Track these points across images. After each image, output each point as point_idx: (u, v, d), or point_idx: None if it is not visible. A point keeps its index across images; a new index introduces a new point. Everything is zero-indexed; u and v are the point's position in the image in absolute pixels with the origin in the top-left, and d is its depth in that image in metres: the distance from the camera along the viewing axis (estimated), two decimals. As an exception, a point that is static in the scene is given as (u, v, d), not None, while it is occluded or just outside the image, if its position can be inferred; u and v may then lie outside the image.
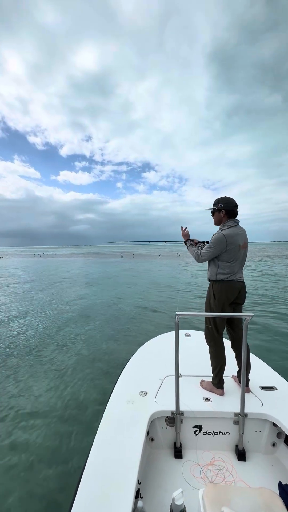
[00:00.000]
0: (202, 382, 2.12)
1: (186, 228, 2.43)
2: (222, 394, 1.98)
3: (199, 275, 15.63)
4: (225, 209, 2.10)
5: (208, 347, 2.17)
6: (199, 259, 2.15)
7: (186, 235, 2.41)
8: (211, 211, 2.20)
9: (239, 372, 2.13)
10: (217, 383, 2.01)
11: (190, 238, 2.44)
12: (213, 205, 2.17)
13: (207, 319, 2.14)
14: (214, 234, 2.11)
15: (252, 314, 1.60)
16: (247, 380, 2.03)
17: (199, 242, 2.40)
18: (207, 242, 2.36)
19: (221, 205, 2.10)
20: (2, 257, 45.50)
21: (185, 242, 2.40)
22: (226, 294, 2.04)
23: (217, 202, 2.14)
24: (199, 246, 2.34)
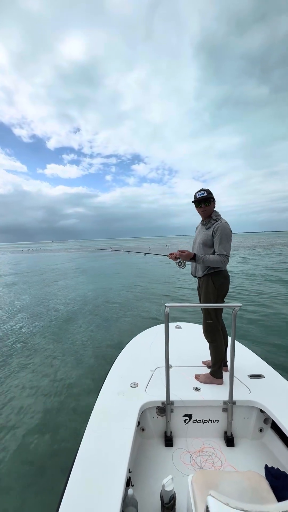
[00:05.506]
0: (197, 376, 2.09)
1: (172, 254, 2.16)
2: (222, 382, 2.02)
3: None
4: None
5: (210, 342, 2.11)
6: (225, 259, 1.94)
7: (187, 255, 2.06)
8: (207, 202, 2.06)
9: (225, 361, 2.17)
10: (219, 374, 2.04)
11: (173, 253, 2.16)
12: (209, 194, 2.05)
13: (208, 315, 2.07)
14: (216, 225, 2.01)
15: (240, 304, 1.62)
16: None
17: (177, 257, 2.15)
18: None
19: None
20: None
21: (194, 259, 2.06)
22: (226, 284, 2.07)
23: (211, 192, 2.06)
24: (179, 262, 2.15)
